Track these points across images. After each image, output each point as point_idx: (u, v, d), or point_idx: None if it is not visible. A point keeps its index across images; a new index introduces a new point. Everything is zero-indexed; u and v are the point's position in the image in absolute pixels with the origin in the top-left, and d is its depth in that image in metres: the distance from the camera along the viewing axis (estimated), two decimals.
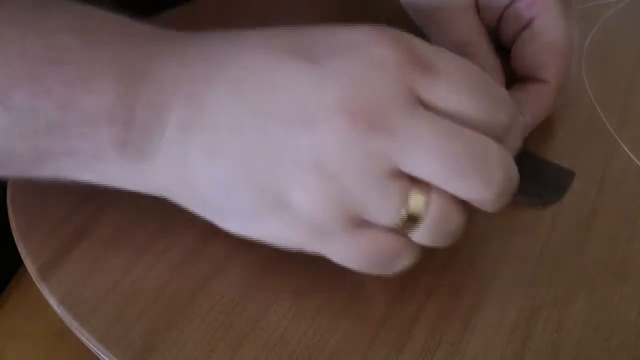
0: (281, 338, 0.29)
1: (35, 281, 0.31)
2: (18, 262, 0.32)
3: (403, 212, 0.25)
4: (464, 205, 0.27)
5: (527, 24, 0.34)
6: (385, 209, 0.25)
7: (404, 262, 0.27)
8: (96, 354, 0.29)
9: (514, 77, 0.37)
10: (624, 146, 0.37)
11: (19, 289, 0.38)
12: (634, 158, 0.37)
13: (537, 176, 0.36)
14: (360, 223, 0.26)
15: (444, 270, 0.32)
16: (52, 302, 0.30)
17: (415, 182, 0.25)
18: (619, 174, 0.37)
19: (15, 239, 0.32)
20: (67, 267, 0.31)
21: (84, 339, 0.29)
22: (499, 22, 0.36)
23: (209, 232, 0.32)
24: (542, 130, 0.38)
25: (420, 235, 0.26)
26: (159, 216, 0.32)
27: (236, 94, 0.26)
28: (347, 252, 0.27)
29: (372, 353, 0.29)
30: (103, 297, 0.30)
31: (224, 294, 0.30)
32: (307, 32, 0.27)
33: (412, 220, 0.26)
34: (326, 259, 0.28)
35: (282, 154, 0.25)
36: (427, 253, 0.32)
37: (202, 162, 0.26)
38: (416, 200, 0.25)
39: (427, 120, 0.25)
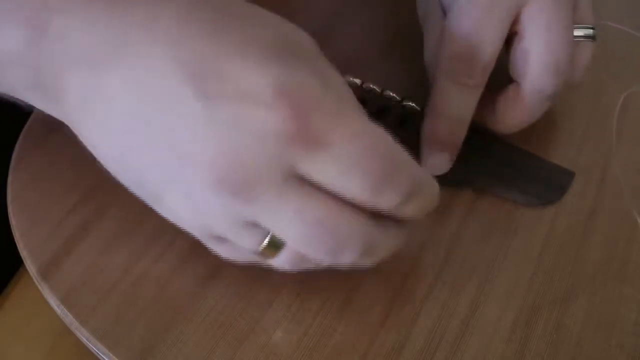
0: (281, 338, 0.29)
1: (35, 281, 0.31)
2: (18, 262, 0.32)
3: (257, 251, 0.27)
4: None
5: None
6: (240, 246, 0.27)
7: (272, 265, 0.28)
8: (96, 354, 0.29)
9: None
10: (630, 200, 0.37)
11: (19, 289, 0.38)
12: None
13: (537, 176, 0.36)
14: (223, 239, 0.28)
15: (444, 270, 0.32)
16: (52, 302, 0.30)
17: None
18: (619, 174, 0.37)
19: (15, 239, 0.32)
20: (67, 267, 0.31)
21: (84, 339, 0.29)
22: None
23: None
24: (542, 130, 0.38)
25: (275, 263, 0.28)
26: (159, 216, 0.32)
27: (127, 93, 0.25)
28: (217, 251, 0.29)
29: (372, 353, 0.29)
30: (103, 297, 0.30)
31: (224, 294, 0.30)
32: (220, 50, 0.25)
33: (268, 253, 0.27)
34: None
35: (157, 168, 0.26)
36: (426, 253, 0.32)
37: (94, 138, 0.27)
38: (270, 246, 0.26)
39: (293, 197, 0.25)
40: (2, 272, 0.38)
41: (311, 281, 0.31)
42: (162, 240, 0.32)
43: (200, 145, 0.24)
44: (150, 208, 0.30)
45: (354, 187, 0.25)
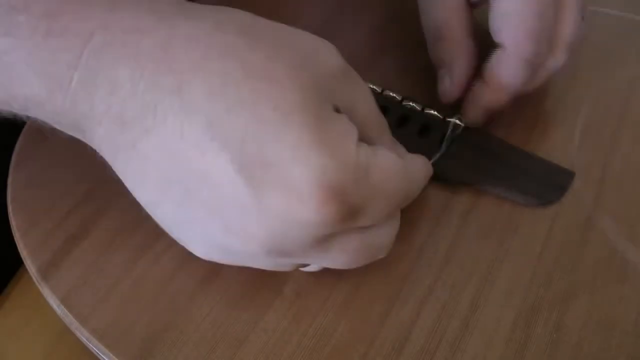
0: (281, 338, 0.29)
1: (35, 281, 0.31)
2: (18, 262, 0.32)
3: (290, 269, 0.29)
4: None
5: None
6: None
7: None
8: (96, 354, 0.29)
9: None
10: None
11: (19, 289, 0.38)
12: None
13: (537, 176, 0.36)
14: None
15: (444, 271, 0.32)
16: (52, 302, 0.30)
17: None
18: (619, 174, 0.37)
19: (15, 239, 0.32)
20: (67, 267, 0.31)
21: (84, 339, 0.29)
22: None
23: None
24: (542, 129, 0.38)
25: (304, 270, 0.31)
26: None
27: (163, 160, 0.25)
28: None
29: (372, 353, 0.29)
30: (103, 297, 0.30)
31: (223, 294, 0.30)
32: (259, 127, 0.24)
33: (300, 267, 0.30)
34: None
35: (193, 226, 0.26)
36: (426, 253, 0.32)
37: (127, 180, 0.26)
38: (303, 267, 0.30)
39: (334, 246, 0.27)
40: (2, 272, 0.38)
41: (311, 281, 0.31)
42: (162, 240, 0.32)
43: (248, 226, 0.25)
44: None
45: (380, 221, 0.28)
